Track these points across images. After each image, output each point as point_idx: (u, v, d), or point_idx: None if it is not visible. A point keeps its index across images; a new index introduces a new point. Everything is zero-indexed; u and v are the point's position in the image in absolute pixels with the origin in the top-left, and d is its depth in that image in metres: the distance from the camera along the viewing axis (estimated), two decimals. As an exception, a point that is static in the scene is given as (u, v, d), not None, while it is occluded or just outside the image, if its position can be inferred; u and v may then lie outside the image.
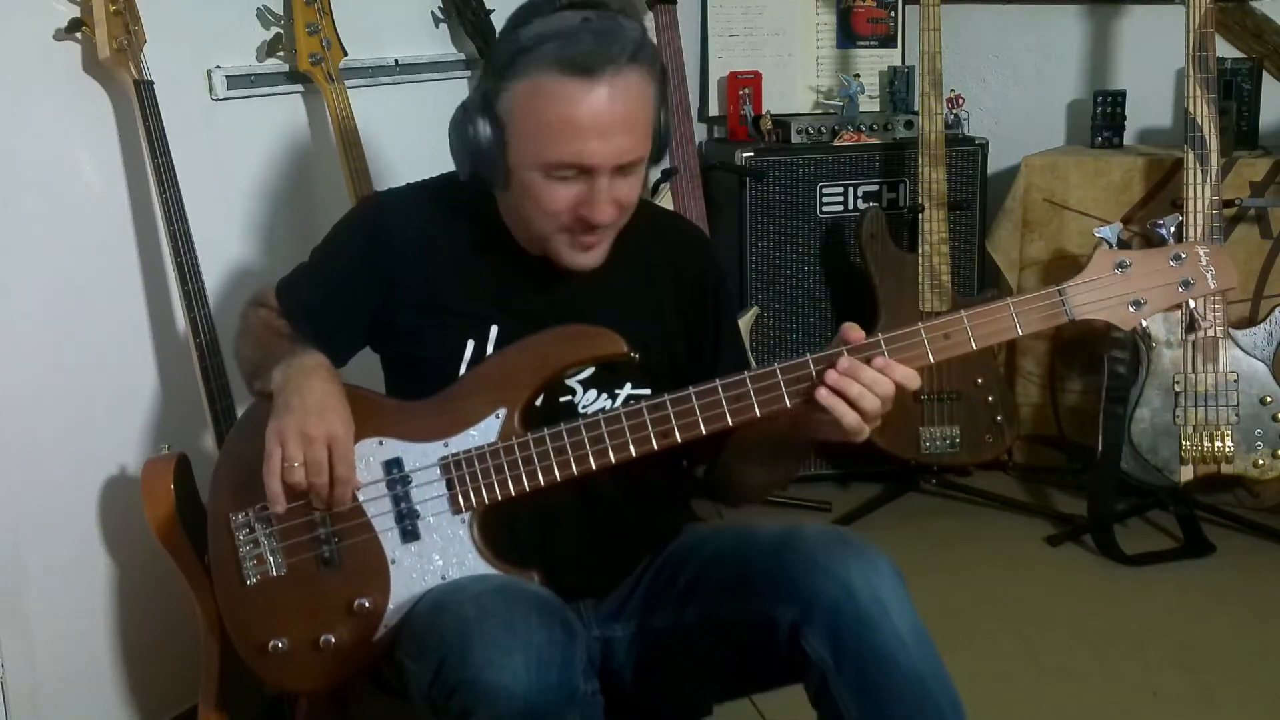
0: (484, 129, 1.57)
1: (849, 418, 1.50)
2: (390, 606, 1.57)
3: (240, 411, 1.91)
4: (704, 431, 1.55)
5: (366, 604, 1.57)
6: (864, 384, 1.49)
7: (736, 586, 1.59)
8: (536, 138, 1.54)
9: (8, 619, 2.05)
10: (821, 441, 1.59)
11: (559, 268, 1.67)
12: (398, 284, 1.69)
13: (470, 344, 1.66)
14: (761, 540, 1.61)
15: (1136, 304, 1.52)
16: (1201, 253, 1.53)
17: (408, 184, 1.79)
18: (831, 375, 1.50)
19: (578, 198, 1.56)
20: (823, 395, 1.50)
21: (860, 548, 1.55)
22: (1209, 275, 1.52)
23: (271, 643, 1.59)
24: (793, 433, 1.61)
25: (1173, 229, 1.57)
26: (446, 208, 1.71)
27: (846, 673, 1.48)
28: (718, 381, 1.54)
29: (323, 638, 1.58)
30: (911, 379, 1.51)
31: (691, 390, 1.55)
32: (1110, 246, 1.55)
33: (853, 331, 1.53)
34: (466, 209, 1.68)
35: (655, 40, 1.63)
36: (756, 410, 1.54)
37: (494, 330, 1.66)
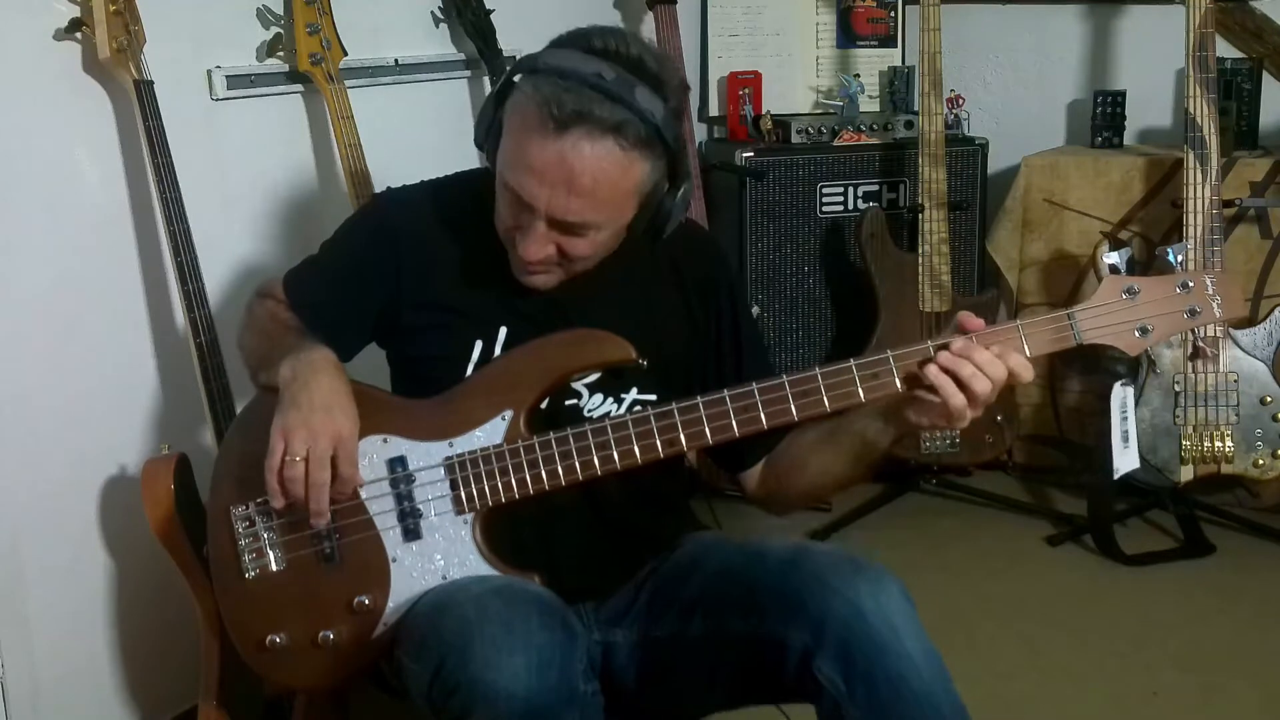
0: (491, 115, 1.59)
1: (956, 399, 1.48)
2: (390, 605, 1.57)
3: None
4: (710, 441, 1.55)
5: (366, 602, 1.57)
6: (978, 365, 1.48)
7: (744, 604, 1.58)
8: (505, 150, 1.57)
9: (8, 619, 2.05)
10: (908, 435, 1.57)
11: None
12: (404, 282, 1.69)
13: (478, 344, 1.66)
14: (769, 558, 1.61)
15: (1143, 330, 1.54)
16: (1208, 281, 1.54)
17: (420, 181, 1.79)
18: (945, 355, 1.49)
19: (520, 224, 1.57)
20: (933, 372, 1.49)
21: (870, 569, 1.54)
22: (1215, 304, 1.54)
23: (270, 638, 1.58)
24: (890, 420, 1.59)
25: (1180, 257, 1.59)
26: (456, 207, 1.71)
27: (858, 696, 1.48)
28: (726, 392, 1.54)
29: (322, 634, 1.57)
30: (1025, 369, 1.50)
31: (699, 399, 1.55)
32: (1119, 272, 1.57)
33: (971, 319, 1.51)
34: (476, 209, 1.68)
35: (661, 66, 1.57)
36: (764, 421, 1.54)
37: (503, 332, 1.66)
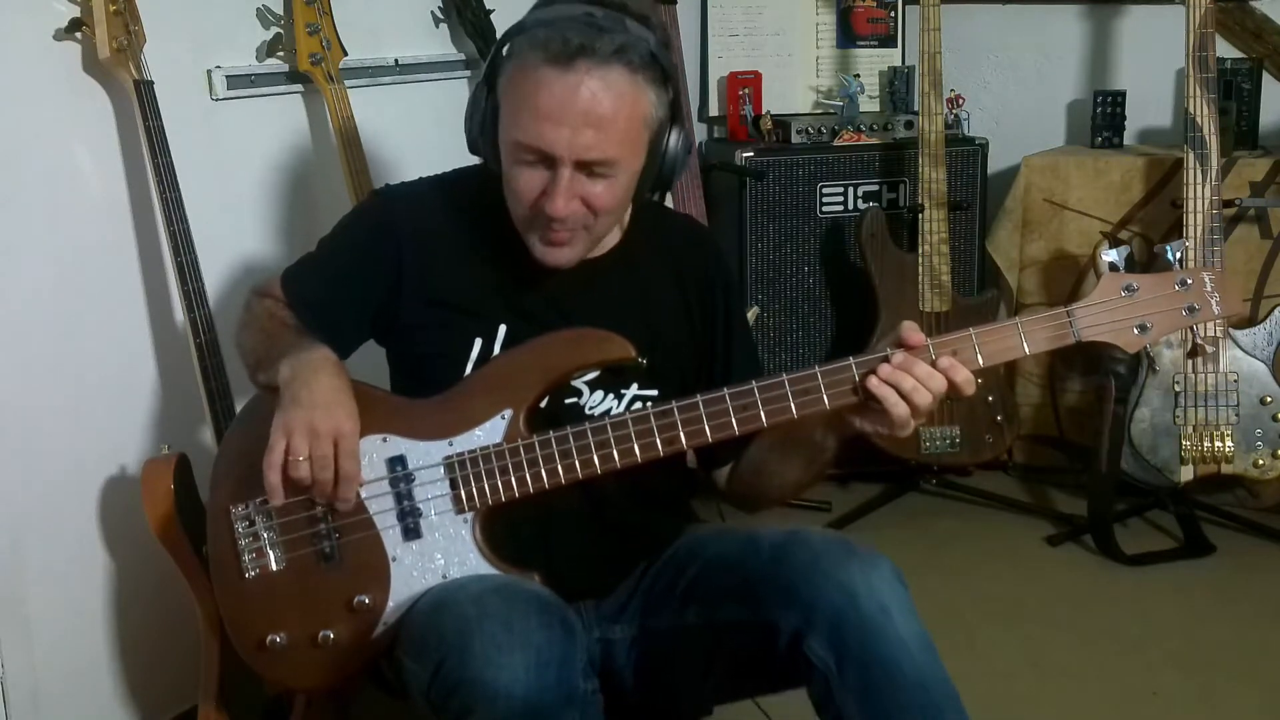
0: (484, 101, 1.60)
1: (899, 409, 1.51)
2: (390, 604, 1.57)
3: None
4: (710, 440, 1.55)
5: (366, 601, 1.57)
6: (918, 379, 1.51)
7: (738, 591, 1.58)
8: (510, 116, 1.56)
9: (8, 619, 2.05)
10: (859, 437, 1.59)
11: (569, 268, 1.67)
12: (404, 278, 1.68)
13: (478, 342, 1.66)
14: (763, 545, 1.61)
15: (1142, 328, 1.55)
16: (1207, 279, 1.56)
17: (419, 178, 1.79)
18: (885, 368, 1.52)
19: (542, 187, 1.56)
20: (874, 384, 1.51)
21: (863, 553, 1.54)
22: (1214, 301, 1.55)
23: (269, 638, 1.58)
24: (835, 424, 1.61)
25: (1179, 254, 1.60)
26: (456, 203, 1.71)
27: (850, 679, 1.48)
28: (726, 390, 1.55)
29: (321, 634, 1.57)
30: (969, 384, 1.53)
31: (699, 398, 1.55)
32: (1118, 270, 1.58)
33: (913, 334, 1.54)
34: (477, 206, 1.68)
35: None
36: (763, 419, 1.54)
37: (502, 330, 1.66)
